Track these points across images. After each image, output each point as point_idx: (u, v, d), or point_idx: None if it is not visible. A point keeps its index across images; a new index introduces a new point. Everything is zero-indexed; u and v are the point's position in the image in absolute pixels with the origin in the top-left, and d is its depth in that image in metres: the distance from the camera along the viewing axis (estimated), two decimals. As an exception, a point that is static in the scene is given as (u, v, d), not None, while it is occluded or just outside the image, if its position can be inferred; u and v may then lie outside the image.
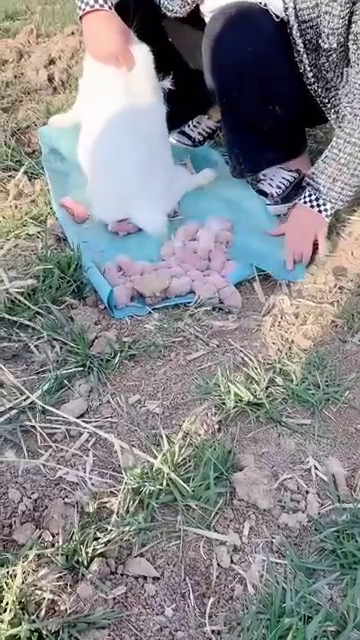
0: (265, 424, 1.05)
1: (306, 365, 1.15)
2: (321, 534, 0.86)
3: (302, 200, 1.47)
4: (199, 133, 1.91)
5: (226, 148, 1.66)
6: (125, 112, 1.42)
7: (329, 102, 1.50)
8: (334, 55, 1.38)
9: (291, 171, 1.66)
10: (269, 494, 0.90)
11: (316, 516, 0.89)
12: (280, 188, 1.64)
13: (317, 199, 1.44)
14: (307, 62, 1.42)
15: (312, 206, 1.45)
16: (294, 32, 1.37)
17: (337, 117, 1.49)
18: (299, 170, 1.66)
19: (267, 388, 1.09)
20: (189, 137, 1.90)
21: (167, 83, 1.49)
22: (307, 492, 0.93)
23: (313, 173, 1.44)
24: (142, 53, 1.42)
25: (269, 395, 1.08)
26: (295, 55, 1.42)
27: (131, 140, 1.43)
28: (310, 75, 1.44)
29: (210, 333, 1.24)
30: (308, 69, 1.43)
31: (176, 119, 1.85)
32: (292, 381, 1.11)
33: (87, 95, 1.51)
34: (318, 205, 1.44)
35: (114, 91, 1.42)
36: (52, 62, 2.44)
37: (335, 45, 1.35)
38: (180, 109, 1.78)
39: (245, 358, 1.17)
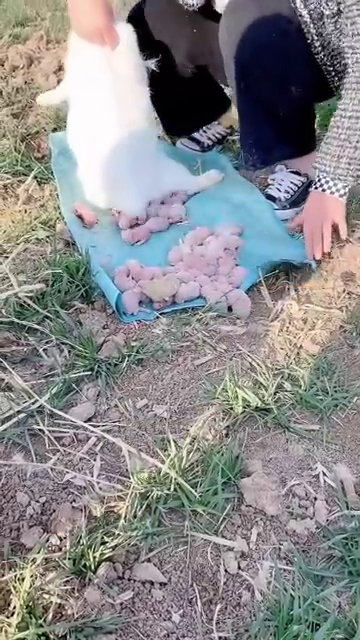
0: (273, 430, 1.04)
1: (314, 370, 1.15)
2: (329, 541, 0.86)
3: (314, 187, 1.46)
4: (208, 138, 1.91)
5: (240, 140, 1.65)
6: (108, 94, 1.45)
7: (334, 69, 1.50)
8: (339, 20, 1.38)
9: (300, 175, 1.66)
10: (277, 500, 0.90)
11: (324, 523, 0.89)
12: (288, 193, 1.64)
13: (327, 181, 1.43)
14: (314, 32, 1.42)
15: (324, 190, 1.43)
16: (298, 3, 1.39)
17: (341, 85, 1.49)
18: (307, 174, 1.66)
19: (275, 393, 1.08)
20: (198, 142, 1.90)
21: (151, 63, 1.51)
22: (315, 498, 0.93)
23: (318, 156, 1.45)
24: (126, 32, 1.45)
25: (277, 400, 1.08)
26: (303, 27, 1.43)
27: (113, 123, 1.46)
28: (317, 44, 1.45)
29: (218, 338, 1.24)
30: (315, 38, 1.44)
31: (190, 124, 1.86)
32: (300, 386, 1.11)
33: (73, 73, 1.54)
34: (329, 187, 1.43)
35: (98, 70, 1.44)
36: (62, 68, 2.45)
37: (336, 9, 1.36)
38: (194, 114, 1.79)
39: (253, 363, 1.17)
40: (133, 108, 1.49)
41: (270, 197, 1.64)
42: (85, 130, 1.51)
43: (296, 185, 1.65)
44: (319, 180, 1.44)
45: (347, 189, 1.43)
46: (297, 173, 1.66)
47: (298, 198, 1.64)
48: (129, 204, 1.54)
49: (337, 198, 1.43)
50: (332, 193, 1.43)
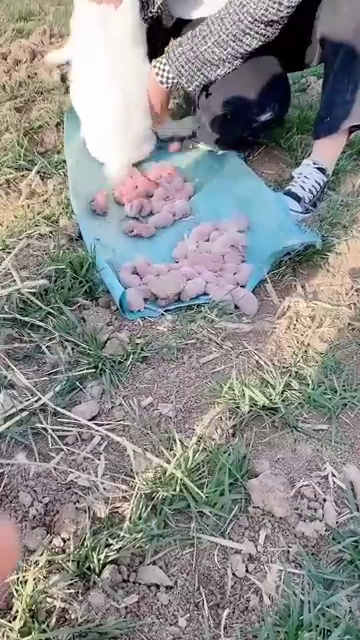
0: (281, 429, 1.02)
1: (322, 369, 1.13)
2: (339, 544, 0.84)
3: (154, 65, 1.53)
4: None
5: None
6: (103, 54, 1.52)
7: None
8: None
9: (324, 174, 1.61)
10: (285, 502, 0.88)
11: (334, 525, 0.87)
12: (312, 193, 1.58)
13: (163, 66, 1.52)
14: None
15: (157, 73, 1.53)
16: None
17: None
18: (325, 170, 1.62)
19: (282, 392, 1.06)
20: None
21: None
22: (324, 500, 0.91)
23: (179, 42, 1.50)
24: None
25: (285, 399, 1.05)
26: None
27: (106, 82, 1.55)
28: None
29: (224, 335, 1.21)
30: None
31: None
32: (308, 385, 1.09)
33: (76, 32, 1.59)
34: (163, 71, 1.52)
35: (93, 28, 1.51)
36: (66, 62, 2.43)
37: None
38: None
39: (260, 361, 1.14)
40: (126, 66, 1.55)
41: (293, 195, 1.58)
42: (83, 90, 1.62)
43: (319, 184, 1.60)
44: (160, 61, 1.52)
45: (175, 82, 1.52)
46: (322, 171, 1.61)
47: (317, 199, 1.61)
48: (110, 164, 1.65)
49: (160, 84, 1.54)
50: (161, 82, 1.53)
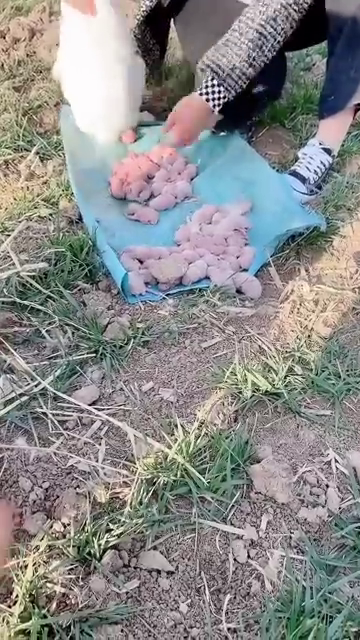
0: (283, 414, 1.01)
1: (326, 354, 1.11)
2: (342, 530, 0.83)
3: (200, 91, 1.48)
4: None
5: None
6: (88, 43, 1.60)
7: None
8: None
9: (329, 155, 1.59)
10: (288, 487, 0.87)
11: (336, 511, 0.86)
12: (317, 174, 1.57)
13: (214, 89, 1.45)
14: None
15: (208, 99, 1.47)
16: None
17: None
18: (330, 150, 1.59)
19: (285, 377, 1.05)
20: None
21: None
22: (327, 486, 0.90)
23: (211, 54, 1.45)
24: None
25: (287, 384, 1.04)
26: None
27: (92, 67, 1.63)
28: None
29: (226, 320, 1.20)
30: None
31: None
32: (311, 370, 1.07)
33: (64, 35, 1.69)
34: (214, 97, 1.46)
35: (80, 26, 1.60)
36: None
37: None
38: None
39: (262, 346, 1.13)
40: (110, 54, 1.63)
41: (298, 175, 1.56)
42: (70, 71, 1.70)
43: (324, 165, 1.58)
44: (207, 84, 1.46)
45: (224, 102, 1.47)
46: (328, 152, 1.59)
47: (322, 180, 1.58)
48: (100, 129, 1.73)
49: (212, 110, 1.49)
50: (214, 106, 1.48)
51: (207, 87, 1.46)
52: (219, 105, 1.47)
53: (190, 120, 1.52)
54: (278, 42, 1.43)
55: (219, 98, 1.46)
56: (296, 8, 1.40)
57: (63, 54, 1.70)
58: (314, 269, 1.35)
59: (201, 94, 1.48)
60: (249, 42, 1.40)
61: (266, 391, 1.02)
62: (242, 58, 1.41)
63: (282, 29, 1.41)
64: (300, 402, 1.03)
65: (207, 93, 1.46)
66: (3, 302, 1.17)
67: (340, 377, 1.06)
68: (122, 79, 1.64)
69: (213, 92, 1.46)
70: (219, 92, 1.45)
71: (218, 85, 1.45)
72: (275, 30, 1.41)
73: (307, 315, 1.21)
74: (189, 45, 1.70)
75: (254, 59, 1.42)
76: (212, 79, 1.45)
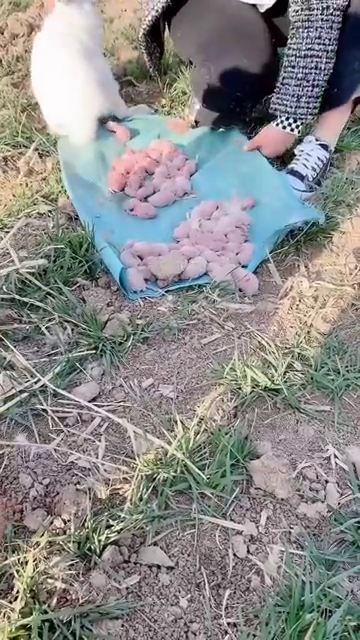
0: (283, 410, 1.01)
1: (325, 350, 1.11)
2: (341, 525, 0.83)
3: (276, 124, 1.55)
4: None
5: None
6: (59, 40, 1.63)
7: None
8: None
9: (326, 150, 1.59)
10: (287, 483, 0.87)
11: (336, 506, 0.86)
12: (315, 170, 1.57)
13: (289, 122, 1.53)
14: None
15: (284, 127, 1.54)
16: None
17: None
18: (331, 150, 1.60)
19: (285, 373, 1.05)
20: None
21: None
22: (327, 481, 0.90)
23: (278, 97, 1.51)
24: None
25: (287, 380, 1.04)
26: None
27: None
28: None
29: (226, 316, 1.20)
30: None
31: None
32: (311, 366, 1.07)
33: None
34: (289, 125, 1.54)
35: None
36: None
37: None
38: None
39: (262, 342, 1.13)
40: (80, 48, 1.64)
41: (296, 174, 1.56)
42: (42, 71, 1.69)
43: (322, 162, 1.58)
44: (280, 120, 1.54)
45: (304, 125, 1.55)
46: (325, 148, 1.59)
47: (320, 176, 1.58)
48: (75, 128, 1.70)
49: (294, 135, 1.57)
50: (292, 130, 1.55)
51: (282, 122, 1.54)
52: (298, 130, 1.55)
53: (275, 144, 1.60)
54: (332, 51, 1.45)
55: (297, 125, 1.54)
56: (337, 14, 1.41)
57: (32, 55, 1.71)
58: (313, 265, 1.35)
59: (277, 125, 1.55)
60: (303, 69, 1.45)
61: (265, 387, 1.02)
62: (303, 86, 1.47)
63: (329, 39, 1.43)
64: (299, 398, 1.03)
65: (284, 127, 1.54)
66: (2, 299, 1.17)
67: (339, 373, 1.06)
68: (84, 76, 1.63)
69: (289, 124, 1.54)
70: (294, 121, 1.53)
71: (292, 120, 1.53)
72: (324, 45, 1.44)
73: (306, 311, 1.21)
74: (181, 43, 1.69)
75: (314, 80, 1.46)
76: (286, 118, 1.52)
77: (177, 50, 1.79)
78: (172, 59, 2.11)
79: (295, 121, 1.52)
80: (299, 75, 1.45)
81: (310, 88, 1.46)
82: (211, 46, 1.55)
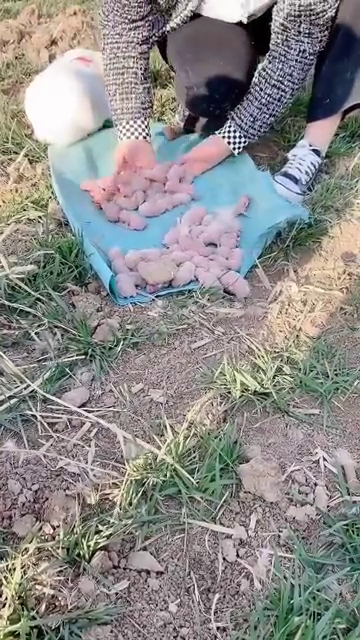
0: (272, 414, 1.02)
1: (314, 353, 1.12)
2: (330, 528, 0.83)
3: (221, 133, 1.59)
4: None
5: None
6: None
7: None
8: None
9: (319, 156, 1.61)
10: (276, 486, 0.87)
11: (325, 509, 0.87)
12: (308, 175, 1.58)
13: (237, 136, 1.58)
14: None
15: (229, 142, 1.59)
16: None
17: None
18: (319, 152, 1.61)
19: (274, 377, 1.06)
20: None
21: None
22: (316, 484, 0.90)
23: (238, 108, 1.56)
24: None
25: (276, 384, 1.05)
26: None
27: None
28: None
29: (215, 320, 1.20)
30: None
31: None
32: (300, 370, 1.08)
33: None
34: (235, 141, 1.59)
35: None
36: (54, 43, 2.38)
37: None
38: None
39: (251, 346, 1.13)
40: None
41: (290, 177, 1.57)
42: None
43: (314, 167, 1.60)
44: (229, 131, 1.58)
45: (245, 145, 1.61)
46: (317, 153, 1.60)
47: (312, 181, 1.60)
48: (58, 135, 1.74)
49: (231, 150, 1.61)
50: (234, 148, 1.61)
51: (229, 133, 1.59)
52: (239, 148, 1.61)
53: (210, 158, 1.64)
54: (297, 89, 1.53)
55: (240, 143, 1.60)
56: (311, 58, 1.48)
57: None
58: (302, 270, 1.36)
59: (224, 137, 1.59)
60: (268, 96, 1.51)
61: (255, 391, 1.02)
62: (262, 111, 1.53)
63: (299, 79, 1.51)
64: (289, 402, 1.03)
65: (229, 138, 1.59)
66: (-8, 305, 1.17)
67: (328, 376, 1.07)
68: (69, 89, 1.68)
69: (234, 137, 1.58)
70: (240, 138, 1.59)
71: (241, 136, 1.58)
72: (292, 83, 1.50)
73: (295, 315, 1.22)
74: (163, 49, 1.70)
75: (274, 109, 1.53)
76: (235, 131, 1.58)
77: (162, 57, 1.80)
78: (162, 66, 2.13)
79: (241, 138, 1.58)
80: (263, 100, 1.51)
81: (267, 115, 1.53)
82: (188, 50, 1.56)
